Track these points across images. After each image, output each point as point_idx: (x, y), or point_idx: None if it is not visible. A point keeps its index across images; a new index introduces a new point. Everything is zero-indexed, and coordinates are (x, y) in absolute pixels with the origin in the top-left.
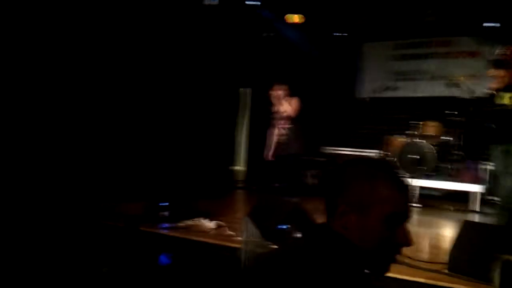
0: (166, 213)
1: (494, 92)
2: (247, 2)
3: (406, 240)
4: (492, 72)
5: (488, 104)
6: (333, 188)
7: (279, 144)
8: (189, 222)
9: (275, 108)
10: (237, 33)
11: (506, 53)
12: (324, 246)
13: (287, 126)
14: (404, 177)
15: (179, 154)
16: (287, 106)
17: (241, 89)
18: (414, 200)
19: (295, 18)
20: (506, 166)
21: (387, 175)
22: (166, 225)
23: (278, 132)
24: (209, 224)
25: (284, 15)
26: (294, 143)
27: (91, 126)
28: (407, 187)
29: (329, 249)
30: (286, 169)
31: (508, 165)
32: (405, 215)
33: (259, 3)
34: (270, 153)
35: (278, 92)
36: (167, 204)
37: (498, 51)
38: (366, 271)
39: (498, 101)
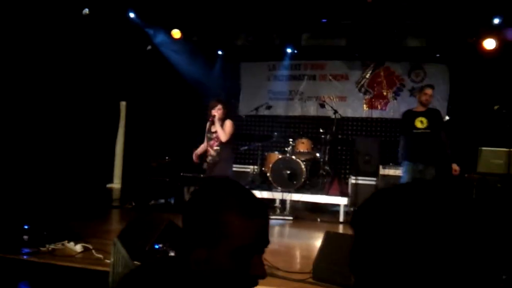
0: (26, 237)
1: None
2: (130, 16)
3: (261, 272)
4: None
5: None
6: (183, 219)
7: (207, 164)
8: (53, 246)
9: (209, 126)
10: (114, 45)
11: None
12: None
13: (215, 147)
14: (259, 205)
15: (51, 172)
16: (220, 129)
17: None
18: (286, 212)
19: (177, 34)
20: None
21: (237, 203)
22: (27, 250)
23: (207, 152)
24: (75, 247)
25: (165, 30)
26: (221, 165)
27: None
28: (261, 214)
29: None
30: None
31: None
32: (257, 247)
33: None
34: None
35: (219, 112)
36: (27, 227)
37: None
38: None
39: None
